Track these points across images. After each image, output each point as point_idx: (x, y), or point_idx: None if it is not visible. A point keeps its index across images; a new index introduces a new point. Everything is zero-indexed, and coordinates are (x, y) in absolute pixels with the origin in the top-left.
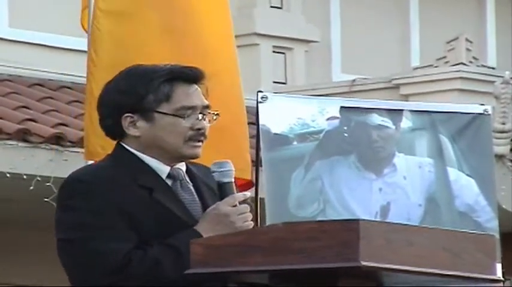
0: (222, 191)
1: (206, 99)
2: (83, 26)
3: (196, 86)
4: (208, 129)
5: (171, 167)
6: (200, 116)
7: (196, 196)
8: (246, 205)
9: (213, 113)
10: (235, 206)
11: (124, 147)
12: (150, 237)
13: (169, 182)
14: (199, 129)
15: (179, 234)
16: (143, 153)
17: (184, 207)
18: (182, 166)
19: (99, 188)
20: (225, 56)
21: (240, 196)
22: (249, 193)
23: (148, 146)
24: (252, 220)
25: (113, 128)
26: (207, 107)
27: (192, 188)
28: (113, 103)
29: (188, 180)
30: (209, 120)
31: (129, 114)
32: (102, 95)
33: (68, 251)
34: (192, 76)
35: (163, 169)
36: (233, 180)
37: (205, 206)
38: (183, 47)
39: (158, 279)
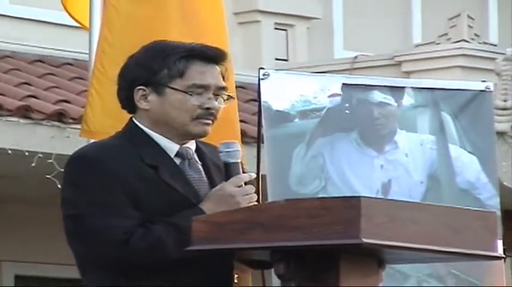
0: (228, 171)
1: (224, 80)
2: (62, 2)
3: (215, 66)
4: (220, 110)
5: (181, 145)
6: (212, 95)
7: (204, 175)
8: (251, 186)
9: (227, 95)
10: (240, 186)
11: (135, 124)
12: (155, 215)
13: (177, 160)
14: (208, 108)
15: (183, 212)
16: (153, 130)
17: (191, 185)
18: (192, 145)
19: (105, 165)
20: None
21: (246, 176)
22: (254, 174)
23: (157, 121)
24: (256, 200)
25: (127, 101)
26: (223, 88)
27: (200, 167)
28: (130, 75)
29: (197, 159)
30: (223, 102)
31: (142, 87)
32: (122, 68)
33: (72, 227)
34: (211, 55)
35: (172, 147)
36: (239, 161)
37: (213, 185)
38: (195, 32)
39: (159, 256)
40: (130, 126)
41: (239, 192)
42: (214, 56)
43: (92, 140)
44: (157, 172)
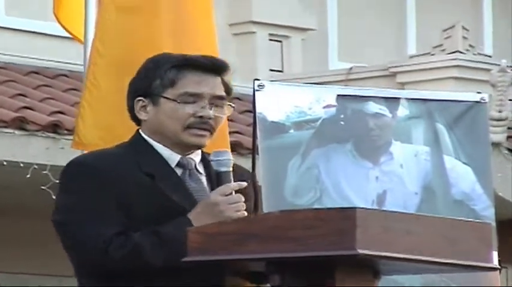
0: (218, 180)
1: (229, 91)
2: (55, 14)
3: (214, 76)
4: (219, 120)
5: (183, 156)
6: (207, 104)
7: (206, 186)
8: (240, 195)
9: (225, 104)
10: (229, 195)
11: (140, 134)
12: (148, 223)
13: (179, 171)
14: (201, 117)
15: (171, 222)
16: (155, 140)
17: (190, 195)
18: (196, 156)
19: (96, 171)
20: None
21: (235, 185)
22: (245, 183)
23: (154, 130)
24: (246, 209)
25: (131, 112)
26: (220, 97)
27: (202, 178)
28: (132, 87)
29: (202, 170)
30: (223, 111)
31: (141, 98)
32: (131, 80)
33: (61, 233)
34: (205, 65)
35: (173, 158)
36: (231, 169)
37: None
38: (187, 44)
39: (138, 264)
40: (136, 136)
41: (224, 201)
42: (209, 65)
43: (80, 152)
44: (154, 180)
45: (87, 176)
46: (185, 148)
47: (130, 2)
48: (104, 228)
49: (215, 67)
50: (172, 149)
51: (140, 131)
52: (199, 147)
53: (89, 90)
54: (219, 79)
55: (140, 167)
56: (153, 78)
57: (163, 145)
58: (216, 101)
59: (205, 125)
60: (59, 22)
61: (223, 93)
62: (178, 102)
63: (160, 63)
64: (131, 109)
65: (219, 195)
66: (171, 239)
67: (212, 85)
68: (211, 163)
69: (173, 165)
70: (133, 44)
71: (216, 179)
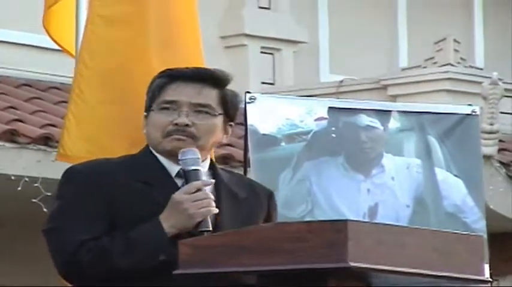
0: (185, 178)
1: (227, 103)
2: (44, 26)
3: (193, 84)
4: (204, 127)
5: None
6: (184, 111)
7: None
8: (205, 192)
9: (203, 111)
10: (192, 193)
11: (148, 147)
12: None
13: (179, 181)
14: (176, 124)
15: (144, 224)
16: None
17: None
18: (203, 167)
19: (83, 176)
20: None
21: (198, 183)
22: (211, 180)
23: (149, 143)
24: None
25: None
26: (199, 105)
27: (204, 189)
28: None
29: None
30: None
31: (145, 113)
32: None
33: (46, 238)
34: (186, 74)
35: (172, 168)
36: (198, 168)
37: (218, 209)
38: (175, 57)
39: (107, 267)
40: (144, 148)
41: (187, 199)
42: (189, 74)
43: (68, 165)
44: (149, 188)
45: (72, 183)
46: (167, 156)
47: (117, 14)
48: (77, 234)
49: (197, 76)
50: (169, 159)
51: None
52: (174, 151)
53: (74, 102)
54: (201, 88)
55: (136, 175)
56: (147, 93)
57: (163, 156)
58: (195, 108)
59: (182, 133)
60: (49, 35)
61: (204, 101)
62: (157, 110)
63: (153, 78)
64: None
65: (182, 193)
66: (140, 242)
67: (191, 93)
68: (179, 162)
69: (173, 175)
70: (120, 57)
71: (184, 178)
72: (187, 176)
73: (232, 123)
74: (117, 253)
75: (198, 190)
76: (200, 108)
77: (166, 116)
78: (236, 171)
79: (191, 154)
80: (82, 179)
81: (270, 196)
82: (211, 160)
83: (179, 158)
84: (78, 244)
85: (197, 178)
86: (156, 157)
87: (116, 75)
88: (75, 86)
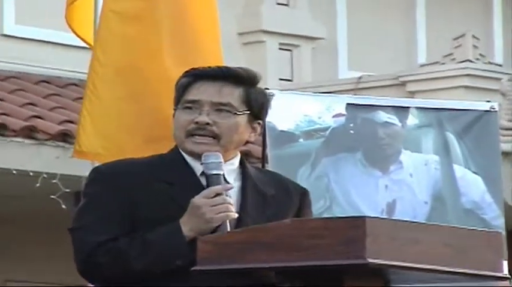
0: (207, 183)
1: (250, 101)
2: (67, 21)
3: (214, 83)
4: (225, 125)
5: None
6: (205, 111)
7: (231, 197)
8: (224, 197)
9: (224, 109)
10: (211, 198)
11: (176, 146)
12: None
13: (203, 180)
14: (196, 122)
15: (163, 227)
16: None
17: None
18: (231, 165)
19: (106, 178)
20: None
21: (218, 188)
22: (230, 185)
23: (175, 141)
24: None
25: None
26: (220, 104)
27: (231, 187)
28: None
29: (233, 179)
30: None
31: (173, 112)
32: None
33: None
34: (208, 73)
35: (198, 167)
36: (220, 172)
37: (243, 208)
38: (189, 53)
39: (123, 269)
40: (173, 148)
41: (206, 203)
42: (211, 73)
43: (86, 161)
44: (173, 188)
45: (94, 183)
46: (192, 155)
47: (129, 10)
48: (96, 235)
49: (218, 75)
50: (194, 158)
51: None
52: (198, 154)
53: (88, 98)
54: (221, 86)
55: (161, 175)
56: (176, 92)
57: (188, 155)
58: (216, 107)
59: (203, 131)
60: (73, 31)
61: (224, 100)
62: (180, 110)
63: (178, 78)
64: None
65: (202, 197)
66: (158, 245)
67: (212, 92)
68: (201, 165)
69: (198, 174)
70: (133, 53)
71: (206, 181)
72: (209, 180)
73: (260, 121)
74: (133, 255)
75: (218, 194)
76: (221, 107)
77: (189, 115)
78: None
79: (213, 158)
80: (104, 179)
81: (303, 193)
82: (241, 157)
83: (202, 161)
84: (95, 245)
85: (218, 183)
86: (182, 155)
87: (129, 71)
88: (89, 83)
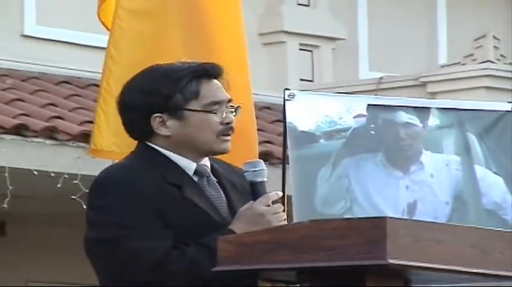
0: (255, 190)
1: (227, 92)
2: (100, 19)
3: (218, 81)
4: (234, 122)
5: (197, 163)
6: (227, 110)
7: (222, 193)
8: (280, 204)
9: (236, 107)
10: (269, 205)
11: (150, 146)
12: (181, 235)
13: (195, 178)
14: (228, 123)
15: (215, 234)
16: (170, 151)
17: (212, 204)
18: (206, 162)
19: (131, 186)
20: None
21: (274, 195)
22: (280, 193)
23: (179, 144)
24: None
25: (141, 129)
26: (230, 101)
27: (217, 184)
28: (141, 105)
29: (211, 176)
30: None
31: (159, 115)
32: (126, 98)
33: (102, 250)
34: (214, 72)
35: (189, 166)
36: (265, 179)
37: (229, 203)
38: (200, 50)
39: (195, 279)
40: (145, 148)
41: (269, 211)
42: (217, 72)
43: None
44: (180, 191)
45: (119, 191)
46: (208, 156)
47: (142, 8)
48: (156, 241)
49: (219, 72)
50: (189, 157)
51: (149, 143)
52: (226, 152)
53: (103, 97)
54: (221, 83)
55: (165, 178)
56: (172, 93)
57: (179, 154)
58: (228, 104)
59: (230, 130)
60: (105, 26)
61: (229, 96)
62: (213, 113)
63: (173, 77)
64: (139, 127)
65: (263, 205)
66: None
67: (223, 90)
68: (246, 173)
69: (191, 173)
70: (145, 51)
71: (251, 189)
72: (258, 187)
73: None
74: (203, 264)
75: (275, 201)
76: (229, 104)
77: (215, 116)
78: (275, 169)
79: (260, 165)
80: (127, 188)
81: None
82: None
83: (247, 169)
84: (163, 252)
85: (265, 189)
86: (166, 156)
87: (142, 68)
88: (104, 81)
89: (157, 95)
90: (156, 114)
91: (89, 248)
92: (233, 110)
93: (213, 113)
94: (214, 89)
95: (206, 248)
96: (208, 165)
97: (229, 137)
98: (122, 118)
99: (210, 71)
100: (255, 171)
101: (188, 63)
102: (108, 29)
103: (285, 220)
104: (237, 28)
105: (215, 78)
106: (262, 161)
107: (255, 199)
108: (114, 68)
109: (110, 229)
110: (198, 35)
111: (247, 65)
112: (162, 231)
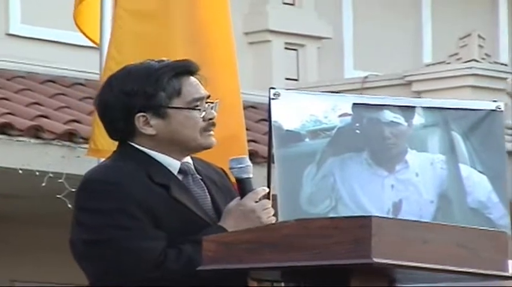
0: (243, 186)
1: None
2: (74, 20)
3: (195, 78)
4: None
5: (181, 162)
6: (207, 105)
7: (206, 190)
8: (268, 200)
9: (215, 102)
10: (257, 201)
11: (133, 146)
12: (171, 234)
13: (180, 177)
14: (210, 119)
15: (207, 231)
16: (154, 150)
17: (197, 202)
18: (189, 160)
19: (121, 187)
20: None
21: (261, 190)
22: (267, 188)
23: (164, 142)
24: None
25: (124, 130)
26: (209, 97)
27: (201, 182)
28: (122, 105)
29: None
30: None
31: (142, 114)
32: (107, 99)
33: (95, 252)
34: (192, 69)
35: (174, 165)
36: (251, 176)
37: (213, 200)
38: (202, 51)
39: (192, 277)
40: (128, 148)
41: (259, 207)
42: (194, 69)
43: (101, 160)
44: (168, 190)
45: (108, 192)
46: (193, 153)
47: (143, 9)
48: (151, 241)
49: (196, 68)
50: (173, 156)
51: (132, 143)
52: (210, 147)
53: None
54: (199, 79)
55: (152, 179)
56: (155, 91)
57: (163, 153)
58: (208, 100)
59: (213, 126)
60: (77, 26)
61: (208, 92)
62: (198, 109)
63: (154, 75)
64: (123, 128)
65: (253, 201)
66: None
67: (202, 87)
68: (232, 170)
69: (175, 172)
70: (146, 51)
71: (238, 185)
72: (245, 183)
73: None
74: (199, 261)
75: (264, 197)
76: (209, 100)
77: (198, 113)
78: (260, 168)
79: (246, 161)
80: (117, 190)
81: (224, 171)
82: None
83: (233, 165)
84: (161, 252)
85: (251, 186)
86: (149, 155)
87: None
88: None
89: (139, 94)
90: (139, 114)
91: (78, 249)
92: (212, 106)
93: (197, 109)
94: (193, 85)
95: (200, 246)
96: (191, 163)
97: (212, 132)
98: (102, 120)
99: (189, 68)
100: (241, 167)
101: (162, 61)
102: (81, 31)
103: (274, 215)
104: (226, 31)
105: (192, 75)
106: (247, 157)
107: (242, 195)
108: (115, 68)
109: (102, 231)
110: (195, 36)
111: (236, 68)
112: (156, 231)
